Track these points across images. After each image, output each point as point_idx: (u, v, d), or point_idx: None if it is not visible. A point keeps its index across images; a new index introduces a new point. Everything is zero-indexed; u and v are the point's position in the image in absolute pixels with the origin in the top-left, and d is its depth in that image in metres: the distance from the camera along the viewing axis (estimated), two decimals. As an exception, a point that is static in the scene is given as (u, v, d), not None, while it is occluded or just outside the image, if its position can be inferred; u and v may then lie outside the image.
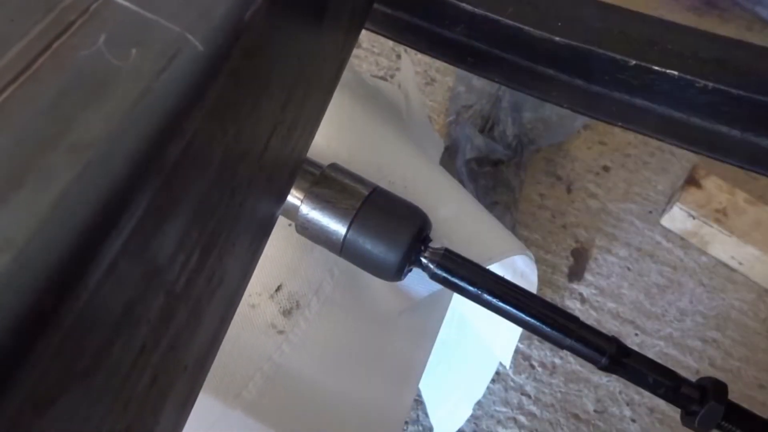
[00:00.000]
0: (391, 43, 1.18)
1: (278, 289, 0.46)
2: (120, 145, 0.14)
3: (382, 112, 0.57)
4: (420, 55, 1.32)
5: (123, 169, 0.14)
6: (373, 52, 1.32)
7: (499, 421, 1.01)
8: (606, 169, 1.24)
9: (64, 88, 0.14)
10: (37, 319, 0.12)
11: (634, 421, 1.03)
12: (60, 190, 0.13)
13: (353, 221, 0.41)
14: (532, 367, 1.06)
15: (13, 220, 0.12)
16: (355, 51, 1.30)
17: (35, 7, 0.15)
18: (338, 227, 0.41)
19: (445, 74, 1.30)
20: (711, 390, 0.40)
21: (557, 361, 1.06)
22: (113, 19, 0.16)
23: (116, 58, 0.15)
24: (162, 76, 0.15)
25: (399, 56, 1.31)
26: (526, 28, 0.43)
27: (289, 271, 0.47)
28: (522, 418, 1.02)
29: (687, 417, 0.41)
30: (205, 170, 0.18)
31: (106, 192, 0.13)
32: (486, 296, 0.41)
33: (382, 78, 1.28)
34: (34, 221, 0.12)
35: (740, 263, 1.14)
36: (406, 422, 0.98)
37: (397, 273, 0.42)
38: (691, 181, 1.16)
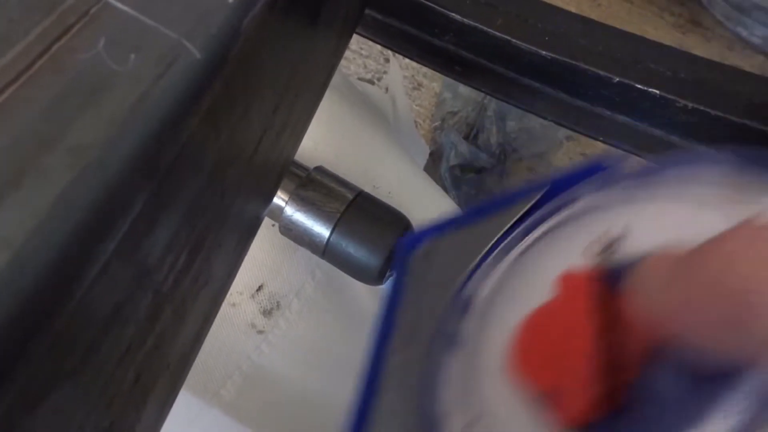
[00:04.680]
0: (379, 46, 1.18)
1: (259, 288, 0.47)
2: (118, 148, 0.14)
3: (370, 116, 0.57)
4: (408, 60, 1.32)
5: (120, 172, 0.14)
6: (361, 55, 1.33)
7: (472, 426, 1.02)
8: (586, 180, 1.26)
9: (63, 90, 0.14)
10: (31, 319, 0.12)
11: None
12: (58, 192, 0.13)
13: (337, 224, 0.41)
14: (507, 373, 1.07)
15: (11, 220, 0.12)
16: (343, 53, 1.30)
17: (35, 8, 0.16)
18: (322, 230, 0.42)
19: (432, 80, 1.31)
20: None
21: (532, 368, 1.07)
22: (112, 23, 0.16)
23: (115, 63, 0.15)
24: (160, 82, 0.15)
25: (387, 60, 1.32)
26: (514, 41, 0.43)
27: (271, 272, 0.47)
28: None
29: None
30: (197, 173, 0.18)
31: (104, 194, 0.13)
32: (465, 303, 0.41)
33: (370, 81, 1.28)
34: (32, 222, 0.12)
35: (713, 278, 1.16)
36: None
37: (378, 277, 0.42)
38: (669, 195, 1.18)
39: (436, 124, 1.21)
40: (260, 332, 0.45)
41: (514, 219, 0.21)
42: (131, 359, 0.17)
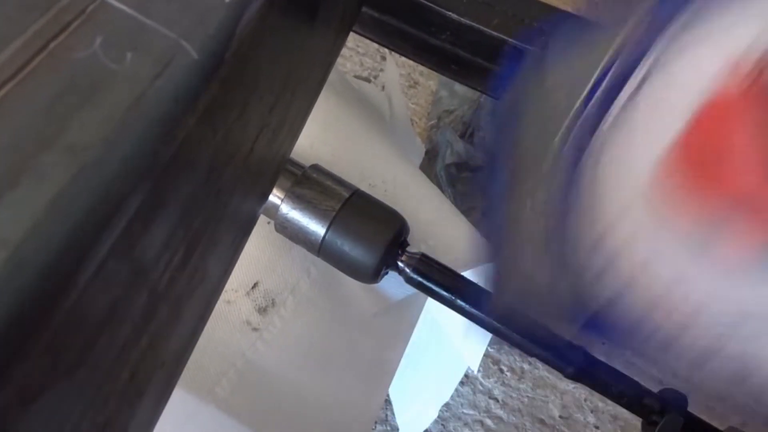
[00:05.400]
0: (376, 44, 1.18)
1: (254, 286, 0.47)
2: (115, 148, 0.14)
3: (366, 114, 0.57)
4: (404, 58, 1.32)
5: (117, 171, 0.14)
6: (357, 52, 1.33)
7: (466, 424, 1.03)
8: (582, 179, 1.27)
9: (61, 89, 0.14)
10: (28, 317, 0.12)
11: (597, 428, 1.05)
12: (55, 191, 0.13)
13: (332, 223, 0.41)
14: (501, 371, 1.07)
15: (8, 219, 0.12)
16: (340, 50, 1.29)
17: (31, 6, 0.16)
18: (317, 228, 0.42)
19: (429, 78, 1.31)
20: (671, 401, 0.41)
21: (526, 366, 1.08)
22: (109, 21, 0.16)
23: (112, 62, 0.15)
24: (157, 82, 0.15)
25: (384, 57, 1.32)
26: (510, 40, 0.44)
27: (266, 269, 0.47)
28: (489, 422, 1.03)
29: (648, 426, 0.42)
30: (193, 172, 0.18)
31: (101, 194, 0.13)
32: (459, 302, 0.42)
33: (366, 79, 1.28)
34: (29, 221, 0.12)
35: (706, 277, 1.17)
36: (375, 422, 0.99)
37: (373, 276, 0.42)
38: (663, 195, 1.19)
39: (432, 122, 1.21)
40: (255, 329, 0.46)
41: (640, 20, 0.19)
42: (127, 357, 0.18)
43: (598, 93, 0.18)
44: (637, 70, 0.18)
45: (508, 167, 0.20)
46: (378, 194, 0.45)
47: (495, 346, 1.08)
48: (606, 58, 0.18)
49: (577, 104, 0.19)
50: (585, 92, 0.18)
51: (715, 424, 0.43)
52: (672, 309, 0.17)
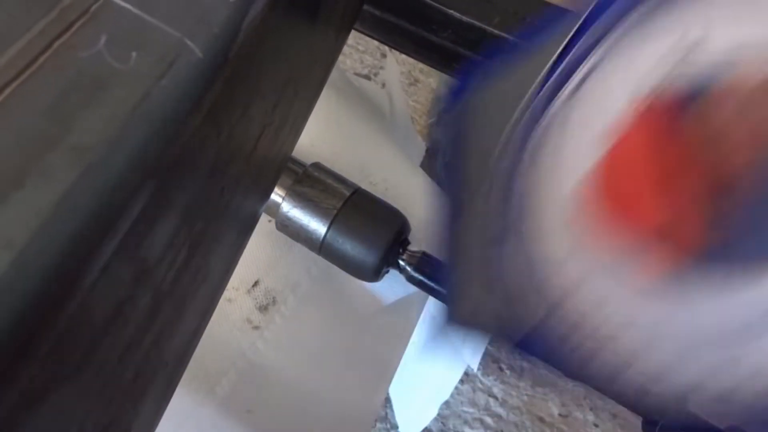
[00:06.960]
0: (376, 41, 1.17)
1: (255, 284, 0.47)
2: (120, 147, 0.14)
3: (367, 112, 0.57)
4: (405, 56, 1.31)
5: (123, 171, 0.14)
6: (358, 50, 1.32)
7: (465, 422, 1.03)
8: (581, 177, 1.27)
9: (66, 88, 0.14)
10: (34, 319, 0.12)
11: (596, 425, 1.05)
12: (61, 192, 0.13)
13: (334, 221, 0.41)
14: (501, 369, 1.07)
15: (14, 220, 0.12)
16: (339, 47, 1.29)
17: (35, 4, 0.16)
18: (318, 226, 0.42)
19: (429, 75, 1.31)
20: (672, 400, 0.41)
21: (525, 364, 1.08)
22: (114, 21, 0.16)
23: (117, 61, 0.15)
24: (161, 81, 0.15)
25: (384, 55, 1.32)
26: (512, 39, 0.43)
27: (267, 267, 0.47)
28: (488, 419, 1.03)
29: (647, 425, 0.42)
30: (198, 171, 0.18)
31: (106, 194, 0.13)
32: (461, 301, 0.42)
33: (366, 76, 1.28)
34: (35, 222, 0.12)
35: (706, 275, 1.17)
36: (375, 419, 0.99)
37: (374, 274, 0.42)
38: (663, 193, 1.19)
39: (433, 120, 1.21)
40: (256, 328, 0.45)
41: (565, 43, 0.18)
42: (131, 357, 0.17)
43: (526, 115, 0.18)
44: (562, 93, 0.18)
45: (456, 186, 0.22)
46: (379, 192, 0.45)
47: (495, 345, 1.08)
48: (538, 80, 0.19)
49: (505, 133, 0.19)
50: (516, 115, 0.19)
51: (714, 422, 0.43)
52: (594, 328, 0.18)
